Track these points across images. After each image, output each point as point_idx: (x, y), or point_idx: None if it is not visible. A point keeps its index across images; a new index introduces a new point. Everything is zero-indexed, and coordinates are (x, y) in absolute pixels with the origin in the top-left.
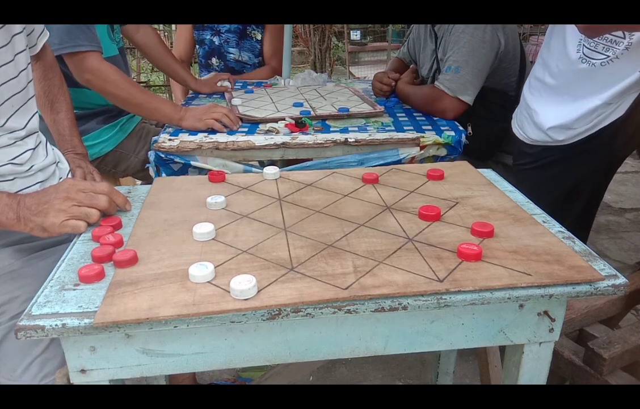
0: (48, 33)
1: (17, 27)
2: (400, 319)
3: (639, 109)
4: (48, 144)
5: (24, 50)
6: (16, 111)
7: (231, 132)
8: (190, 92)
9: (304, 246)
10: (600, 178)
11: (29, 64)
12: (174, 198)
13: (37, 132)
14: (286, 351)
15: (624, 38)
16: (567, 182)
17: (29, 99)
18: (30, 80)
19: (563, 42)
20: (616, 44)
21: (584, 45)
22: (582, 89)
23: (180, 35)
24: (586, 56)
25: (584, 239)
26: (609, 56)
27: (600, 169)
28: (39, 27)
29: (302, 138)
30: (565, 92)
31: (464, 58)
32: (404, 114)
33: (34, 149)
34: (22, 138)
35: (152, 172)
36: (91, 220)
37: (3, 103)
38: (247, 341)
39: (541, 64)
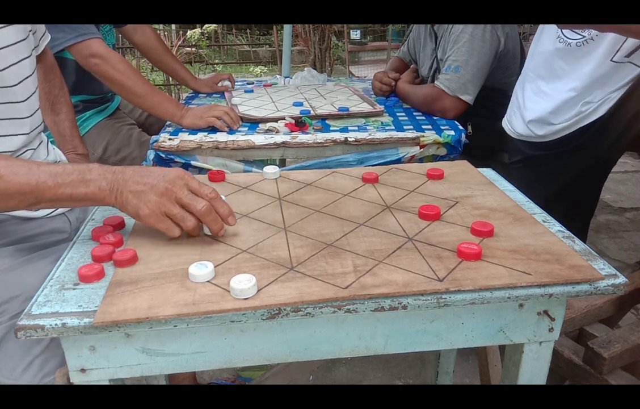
0: (49, 36)
1: (29, 25)
2: (400, 319)
3: (621, 111)
4: (49, 143)
5: (35, 48)
6: (38, 108)
7: (231, 131)
8: (190, 91)
9: (304, 245)
10: (587, 184)
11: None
12: None
13: (41, 131)
14: (286, 351)
15: None
16: (554, 185)
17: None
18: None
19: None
20: None
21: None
22: (558, 70)
23: None
24: (565, 35)
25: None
26: (584, 37)
27: (587, 173)
28: (41, 29)
29: (302, 137)
30: (543, 75)
31: (464, 57)
32: (403, 114)
33: (35, 149)
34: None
35: None
36: (186, 226)
37: (29, 97)
38: (247, 340)
39: (530, 53)
